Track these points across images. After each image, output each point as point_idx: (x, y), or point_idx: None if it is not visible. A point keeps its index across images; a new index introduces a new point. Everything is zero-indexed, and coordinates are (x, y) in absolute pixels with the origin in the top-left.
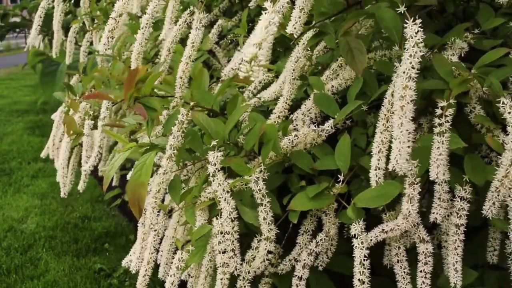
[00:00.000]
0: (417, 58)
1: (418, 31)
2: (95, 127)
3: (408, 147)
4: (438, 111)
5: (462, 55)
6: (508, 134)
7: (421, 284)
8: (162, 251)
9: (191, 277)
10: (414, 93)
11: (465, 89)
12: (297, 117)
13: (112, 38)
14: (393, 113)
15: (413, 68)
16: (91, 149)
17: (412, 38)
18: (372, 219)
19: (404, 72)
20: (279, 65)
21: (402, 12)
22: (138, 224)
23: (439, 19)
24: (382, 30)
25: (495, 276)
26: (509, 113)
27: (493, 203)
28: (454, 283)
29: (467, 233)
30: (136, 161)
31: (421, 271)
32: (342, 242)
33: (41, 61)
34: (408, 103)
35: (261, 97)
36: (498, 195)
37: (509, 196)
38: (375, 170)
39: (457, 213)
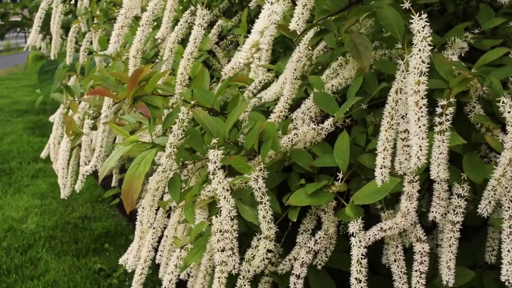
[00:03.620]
0: (426, 52)
1: (425, 26)
2: (94, 127)
3: (427, 142)
4: (438, 110)
5: (462, 54)
6: (507, 134)
7: (416, 284)
8: (162, 251)
9: (191, 277)
10: (426, 88)
11: (465, 88)
12: (297, 116)
13: (122, 36)
14: (397, 110)
15: (423, 62)
16: (90, 149)
17: (419, 32)
18: (372, 218)
19: (415, 68)
20: (279, 65)
21: (407, 8)
22: (135, 221)
23: (439, 19)
24: (383, 29)
25: (494, 277)
26: (509, 112)
27: (489, 202)
28: (446, 281)
29: (466, 233)
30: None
31: (416, 271)
32: (342, 240)
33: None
34: (422, 97)
35: (261, 97)
36: (494, 194)
37: (505, 195)
38: (381, 168)
39: (454, 210)
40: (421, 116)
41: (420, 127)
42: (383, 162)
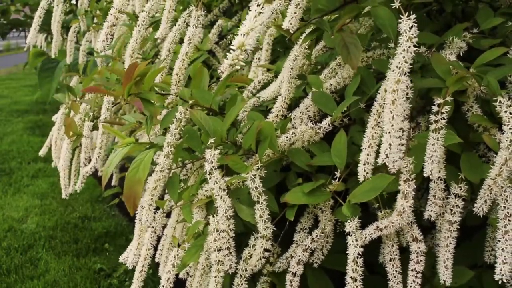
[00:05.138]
0: (410, 52)
1: (412, 26)
2: (95, 128)
3: (400, 142)
4: (435, 108)
5: (461, 54)
6: (503, 133)
7: (411, 283)
8: (161, 249)
9: (190, 276)
10: (406, 87)
11: (461, 87)
12: (295, 115)
13: (111, 36)
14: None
15: (406, 62)
16: (90, 151)
17: (406, 32)
18: (370, 217)
19: (397, 67)
20: (279, 65)
21: (397, 7)
22: (135, 221)
23: (438, 19)
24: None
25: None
26: (505, 111)
27: (485, 201)
28: (443, 280)
29: (466, 233)
30: (135, 159)
31: (412, 270)
32: (339, 239)
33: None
34: (400, 97)
35: (260, 96)
36: (490, 193)
37: (501, 195)
38: (364, 164)
39: (451, 210)
40: (396, 115)
41: (393, 125)
42: (367, 159)
